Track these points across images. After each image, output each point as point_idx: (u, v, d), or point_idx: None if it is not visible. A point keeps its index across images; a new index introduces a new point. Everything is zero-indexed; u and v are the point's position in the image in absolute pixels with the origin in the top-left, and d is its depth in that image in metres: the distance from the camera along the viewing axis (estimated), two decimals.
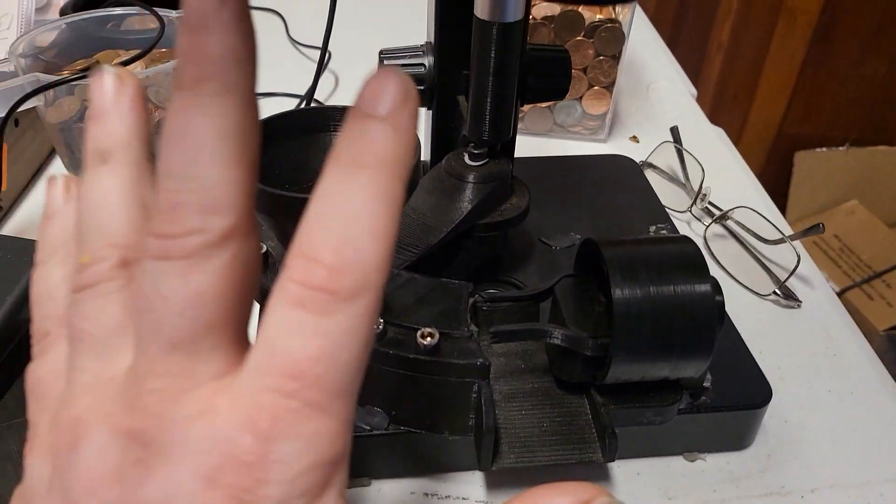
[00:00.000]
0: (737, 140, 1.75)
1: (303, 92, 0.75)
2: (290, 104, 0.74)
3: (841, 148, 1.84)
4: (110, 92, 0.22)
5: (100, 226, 0.21)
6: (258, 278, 0.20)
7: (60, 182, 0.25)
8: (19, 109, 0.50)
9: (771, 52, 1.69)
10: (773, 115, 1.78)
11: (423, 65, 0.48)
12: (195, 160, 0.18)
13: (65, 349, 0.22)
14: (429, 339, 0.35)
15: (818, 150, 1.83)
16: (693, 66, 1.65)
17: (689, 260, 0.36)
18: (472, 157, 0.46)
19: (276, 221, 0.34)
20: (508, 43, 0.41)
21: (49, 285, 0.24)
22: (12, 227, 0.57)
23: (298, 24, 0.89)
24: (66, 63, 0.57)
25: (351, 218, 0.18)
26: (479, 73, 0.42)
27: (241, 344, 0.20)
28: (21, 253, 0.46)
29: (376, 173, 0.18)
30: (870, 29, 1.63)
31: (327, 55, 0.80)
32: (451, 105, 0.49)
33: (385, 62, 0.48)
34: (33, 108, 0.53)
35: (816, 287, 0.54)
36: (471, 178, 0.45)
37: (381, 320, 0.36)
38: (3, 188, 0.51)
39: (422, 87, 0.48)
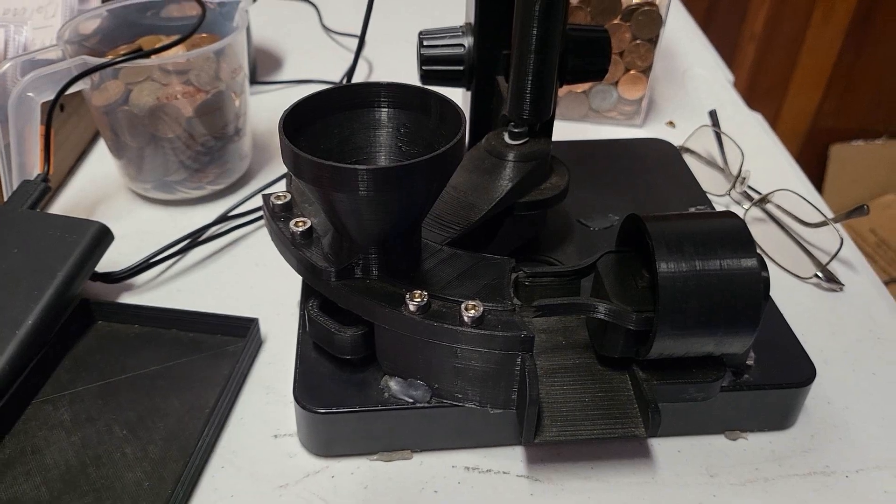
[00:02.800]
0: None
1: (336, 78, 0.75)
2: None
3: (878, 141, 1.81)
4: None
5: None
6: None
7: None
8: (67, 93, 0.51)
9: (806, 43, 1.66)
10: (808, 107, 1.75)
11: (462, 45, 0.48)
12: None
13: None
14: (473, 311, 0.35)
15: (854, 142, 1.81)
16: (725, 56, 1.62)
17: (735, 235, 0.36)
18: (513, 136, 0.46)
19: (322, 191, 0.34)
20: (551, 19, 0.41)
21: None
22: (58, 208, 0.58)
23: (331, 13, 0.89)
24: (110, 49, 0.58)
25: None
26: (521, 51, 0.42)
27: None
28: (69, 231, 0.47)
29: None
30: None
31: (362, 44, 0.80)
32: (489, 85, 0.49)
33: (425, 43, 0.49)
34: (78, 93, 0.54)
35: (859, 271, 0.53)
36: (511, 156, 0.45)
37: (426, 293, 0.36)
38: (51, 172, 0.52)
39: (461, 68, 0.49)
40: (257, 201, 0.58)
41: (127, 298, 0.50)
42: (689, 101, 0.74)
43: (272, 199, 0.42)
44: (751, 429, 0.42)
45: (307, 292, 0.43)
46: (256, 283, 0.52)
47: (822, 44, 1.66)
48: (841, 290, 0.51)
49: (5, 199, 0.52)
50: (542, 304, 0.37)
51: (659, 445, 0.41)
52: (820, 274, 0.52)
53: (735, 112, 0.72)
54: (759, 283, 0.35)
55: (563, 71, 0.48)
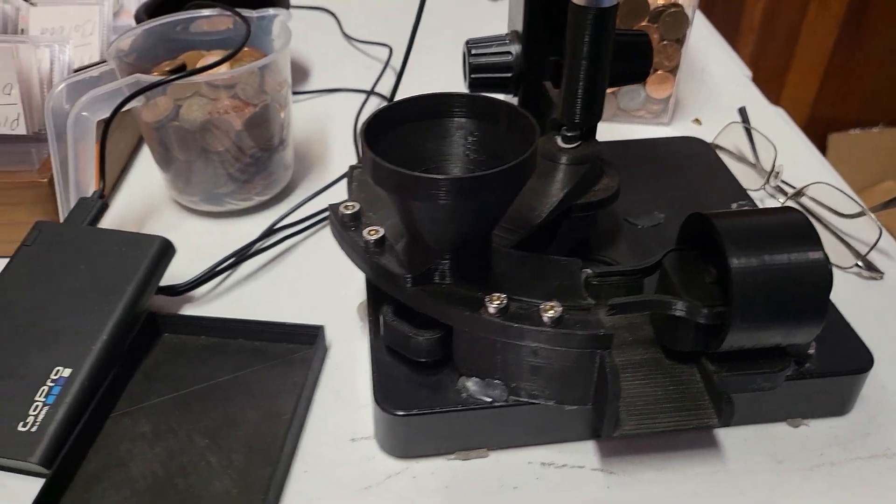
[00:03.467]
0: None
1: (366, 86, 0.76)
2: (354, 98, 0.75)
3: (874, 129, 1.83)
4: None
5: None
6: None
7: None
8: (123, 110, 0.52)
9: (803, 34, 1.69)
10: (806, 97, 1.78)
11: (510, 52, 0.50)
12: None
13: None
14: (552, 311, 0.36)
15: (852, 131, 1.83)
16: None
17: (800, 229, 0.37)
18: (565, 139, 0.47)
19: (399, 197, 0.35)
20: (603, 28, 0.42)
21: None
22: (108, 222, 0.59)
23: (351, 22, 0.90)
24: (152, 65, 0.58)
25: None
26: (573, 58, 0.44)
27: None
28: (133, 246, 0.48)
29: None
30: None
31: (389, 51, 0.82)
32: (536, 91, 0.50)
33: (473, 51, 0.50)
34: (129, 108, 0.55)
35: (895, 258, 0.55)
36: (564, 160, 0.47)
37: (504, 296, 0.37)
38: (106, 189, 0.53)
39: (509, 75, 0.50)
40: (304, 211, 0.59)
41: (187, 310, 0.51)
42: (712, 97, 0.75)
43: (341, 208, 0.43)
44: (812, 416, 0.43)
45: (375, 299, 0.44)
46: (311, 291, 0.53)
47: (819, 35, 1.68)
48: (881, 278, 0.53)
49: (61, 217, 0.53)
50: (616, 303, 0.38)
51: (725, 435, 0.42)
52: (860, 263, 0.53)
53: (757, 107, 0.74)
54: (826, 274, 0.36)
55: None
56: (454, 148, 0.40)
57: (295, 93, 0.77)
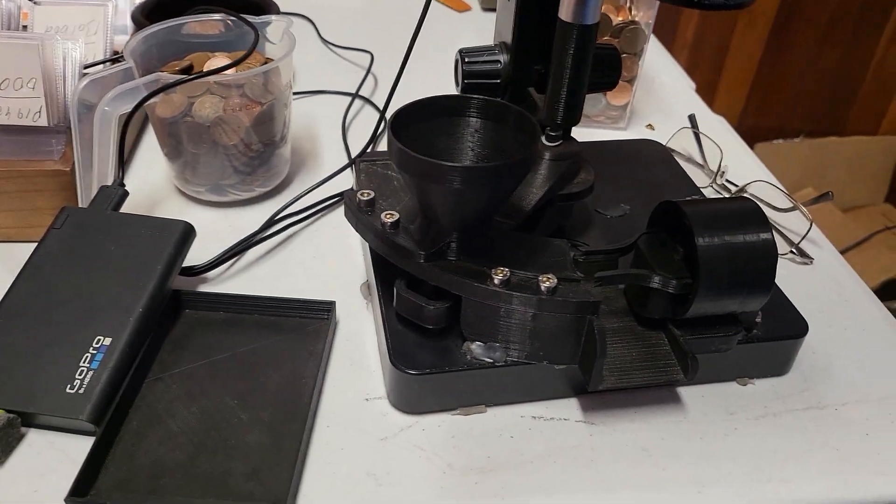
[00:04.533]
0: None
1: (350, 89, 0.82)
2: (338, 100, 0.80)
3: (796, 139, 1.97)
4: None
5: None
6: None
7: None
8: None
9: (731, 49, 1.81)
10: (734, 108, 1.91)
11: (499, 61, 0.56)
12: None
13: None
14: (548, 282, 0.43)
15: (775, 141, 1.97)
16: None
17: (753, 214, 0.45)
18: (549, 139, 0.54)
19: (420, 182, 0.41)
20: (585, 42, 0.49)
21: None
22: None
23: (328, 27, 0.96)
24: (161, 65, 0.63)
25: None
26: (558, 68, 0.50)
27: None
28: (159, 230, 0.53)
29: None
30: (823, 23, 1.76)
31: (370, 56, 0.87)
32: (522, 97, 0.57)
33: (466, 59, 0.56)
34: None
35: (823, 247, 0.64)
36: (548, 156, 0.53)
37: (507, 269, 0.44)
38: (125, 178, 0.57)
39: (498, 81, 0.56)
40: (306, 201, 0.64)
41: (204, 289, 0.56)
42: (663, 105, 0.84)
43: (358, 195, 0.48)
44: (757, 375, 0.51)
45: (383, 277, 0.50)
46: (315, 274, 0.58)
47: (745, 50, 1.81)
48: (811, 263, 0.62)
49: (80, 203, 0.57)
50: (603, 275, 0.45)
51: (686, 392, 0.50)
52: (794, 250, 0.62)
53: (701, 115, 0.83)
54: (774, 252, 0.44)
55: None
56: (462, 143, 0.47)
57: None
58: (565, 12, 0.48)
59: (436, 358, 0.46)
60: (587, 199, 0.58)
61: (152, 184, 0.66)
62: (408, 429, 0.46)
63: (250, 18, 0.63)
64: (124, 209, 0.63)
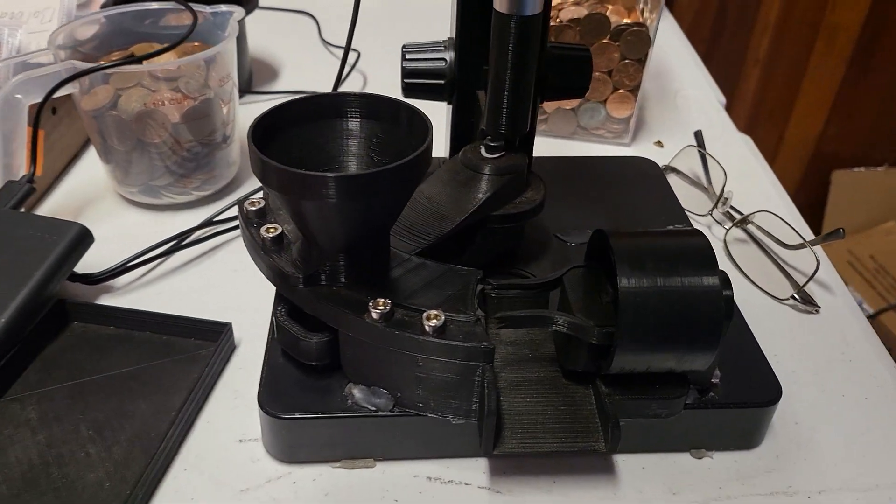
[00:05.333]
0: (772, 156, 1.73)
1: (329, 89, 0.76)
2: None
3: (880, 168, 1.81)
4: None
5: None
6: None
7: None
8: (55, 96, 0.51)
9: (809, 69, 1.67)
10: (811, 133, 1.76)
11: (444, 59, 0.49)
12: None
13: None
14: (434, 320, 0.35)
15: (856, 169, 1.81)
16: (730, 80, 1.63)
17: (698, 252, 0.36)
18: (489, 149, 0.46)
19: (290, 199, 0.35)
20: (526, 37, 0.41)
21: None
22: (45, 209, 0.59)
23: (330, 26, 0.90)
24: (103, 54, 0.58)
25: None
26: (498, 67, 0.43)
27: None
28: (49, 231, 0.48)
29: None
30: None
31: (357, 55, 0.81)
32: (470, 100, 0.50)
33: (407, 56, 0.49)
34: (69, 97, 0.55)
35: (837, 294, 0.53)
36: (486, 170, 0.46)
37: (388, 301, 0.36)
38: (38, 173, 0.53)
39: (442, 82, 0.49)
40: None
41: (106, 300, 0.50)
42: (680, 121, 0.74)
43: (246, 204, 0.42)
44: (716, 448, 0.42)
45: (279, 299, 0.43)
46: (235, 289, 0.52)
47: (825, 71, 1.66)
48: (817, 312, 0.51)
49: None
50: (504, 316, 0.37)
51: (624, 462, 0.41)
52: (797, 295, 0.52)
53: (724, 133, 0.73)
54: (720, 301, 0.35)
55: (542, 87, 0.48)
56: (358, 149, 0.40)
57: (259, 92, 0.76)
58: (500, 1, 0.41)
59: (312, 400, 0.39)
60: (543, 223, 0.50)
61: (92, 185, 0.62)
62: (277, 480, 0.40)
63: (200, 7, 0.58)
64: (48, 209, 0.59)
